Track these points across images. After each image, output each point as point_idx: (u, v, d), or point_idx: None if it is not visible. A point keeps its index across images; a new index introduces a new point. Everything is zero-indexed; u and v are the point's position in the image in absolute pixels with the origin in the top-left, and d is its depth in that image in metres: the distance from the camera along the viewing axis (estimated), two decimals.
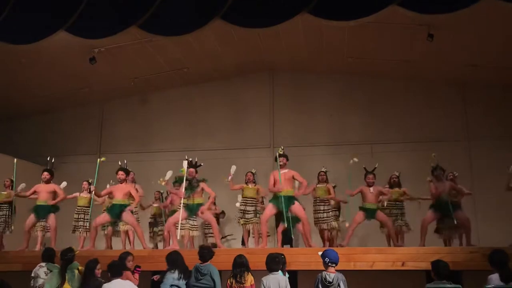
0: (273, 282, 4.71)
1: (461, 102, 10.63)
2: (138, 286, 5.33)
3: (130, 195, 7.42)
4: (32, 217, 7.79)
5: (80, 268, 5.48)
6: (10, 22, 7.39)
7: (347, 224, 8.02)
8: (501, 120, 10.14)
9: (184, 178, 7.27)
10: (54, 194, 7.88)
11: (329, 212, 8.12)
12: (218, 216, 9.73)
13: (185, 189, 7.21)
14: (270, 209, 7.07)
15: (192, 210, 7.24)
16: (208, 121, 11.68)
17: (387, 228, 7.51)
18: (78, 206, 8.61)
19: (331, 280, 4.45)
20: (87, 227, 8.27)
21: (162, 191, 9.31)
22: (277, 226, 7.96)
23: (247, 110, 11.59)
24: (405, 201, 8.06)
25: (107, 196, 7.92)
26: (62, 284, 5.36)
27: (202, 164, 7.56)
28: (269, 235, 8.32)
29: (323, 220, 8.07)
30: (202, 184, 7.24)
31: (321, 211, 8.10)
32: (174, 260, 5.44)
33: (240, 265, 5.00)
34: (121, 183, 7.40)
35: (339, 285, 4.43)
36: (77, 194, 8.67)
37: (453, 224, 7.13)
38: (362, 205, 7.37)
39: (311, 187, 7.93)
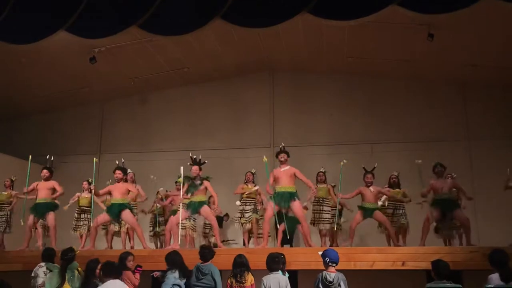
0: (273, 281, 4.71)
1: (461, 102, 10.63)
2: (138, 286, 5.35)
3: (129, 193, 7.42)
4: (32, 217, 7.80)
5: (79, 268, 5.49)
6: (10, 22, 7.39)
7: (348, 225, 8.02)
8: (501, 120, 10.14)
9: (182, 180, 7.24)
10: (54, 191, 7.88)
11: (329, 212, 8.12)
12: (222, 218, 9.74)
13: (188, 188, 7.19)
14: (272, 207, 7.06)
15: (193, 208, 7.19)
16: (208, 121, 11.68)
17: (386, 228, 7.51)
18: (79, 206, 8.62)
19: (331, 280, 4.45)
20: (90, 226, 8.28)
21: (163, 190, 9.27)
22: (277, 226, 7.95)
23: (247, 110, 11.59)
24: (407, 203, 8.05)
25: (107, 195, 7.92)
26: (62, 284, 5.35)
27: (206, 161, 7.50)
28: (269, 235, 8.30)
29: (324, 220, 8.06)
30: (206, 183, 7.18)
31: (324, 211, 8.09)
32: (174, 260, 5.45)
33: (240, 264, 5.01)
34: (118, 182, 7.39)
35: (339, 284, 4.42)
36: (78, 194, 8.68)
37: (452, 224, 7.14)
38: (361, 204, 7.39)
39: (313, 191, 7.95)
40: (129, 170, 8.38)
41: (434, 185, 7.05)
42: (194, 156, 7.46)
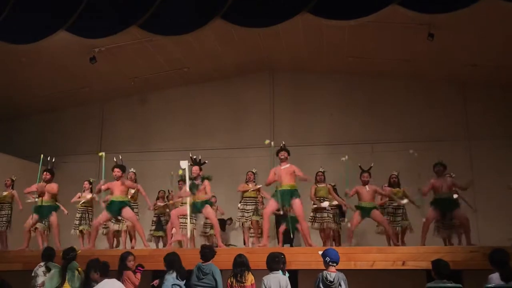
0: (273, 281, 4.71)
1: (461, 102, 10.63)
2: (138, 286, 5.34)
3: (128, 191, 7.42)
4: (31, 217, 7.78)
5: (79, 268, 5.49)
6: (10, 22, 7.39)
7: (349, 225, 8.01)
8: (501, 120, 10.14)
9: (187, 177, 7.24)
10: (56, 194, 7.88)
11: (330, 212, 8.11)
12: (225, 222, 9.74)
13: (189, 188, 7.20)
14: (271, 204, 7.06)
15: (197, 208, 7.19)
16: (208, 121, 11.68)
17: (384, 228, 7.50)
18: (80, 206, 8.61)
19: (332, 280, 4.44)
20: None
21: (165, 190, 9.27)
22: (277, 226, 7.96)
23: (247, 110, 11.60)
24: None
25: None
26: (63, 283, 5.36)
27: (206, 161, 7.50)
28: (269, 236, 8.31)
29: (325, 220, 8.05)
30: (205, 183, 7.18)
31: (324, 211, 8.08)
32: (172, 261, 5.44)
33: (241, 264, 5.00)
34: (117, 180, 7.39)
35: (340, 284, 4.42)
36: (79, 194, 8.67)
37: (452, 223, 7.13)
38: (358, 203, 7.40)
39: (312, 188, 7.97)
40: (130, 170, 8.37)
41: (434, 184, 7.06)
42: (194, 156, 7.46)
